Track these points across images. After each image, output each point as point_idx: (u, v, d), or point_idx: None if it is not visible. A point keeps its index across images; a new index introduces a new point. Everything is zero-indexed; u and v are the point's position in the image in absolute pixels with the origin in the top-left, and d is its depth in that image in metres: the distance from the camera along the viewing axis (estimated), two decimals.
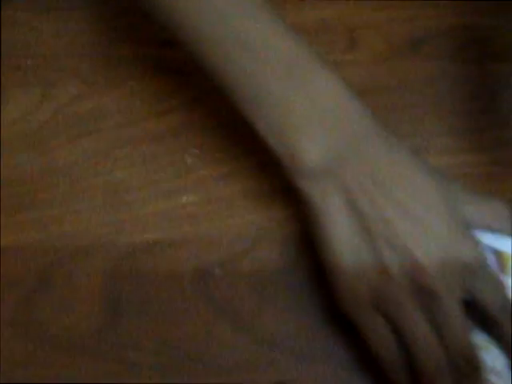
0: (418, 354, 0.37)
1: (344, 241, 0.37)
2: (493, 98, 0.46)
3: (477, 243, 0.38)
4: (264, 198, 0.45)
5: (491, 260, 0.38)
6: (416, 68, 0.47)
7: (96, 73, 0.48)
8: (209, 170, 0.46)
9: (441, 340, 0.36)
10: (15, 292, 0.43)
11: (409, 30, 0.47)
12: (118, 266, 0.43)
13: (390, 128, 0.38)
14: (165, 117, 0.47)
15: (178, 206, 0.45)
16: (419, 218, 0.36)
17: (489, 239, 0.39)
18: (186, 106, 0.48)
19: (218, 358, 0.41)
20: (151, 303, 0.42)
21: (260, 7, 0.38)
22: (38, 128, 0.47)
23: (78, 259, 0.43)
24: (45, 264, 0.43)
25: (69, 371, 0.41)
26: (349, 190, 0.37)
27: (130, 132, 0.47)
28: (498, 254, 0.39)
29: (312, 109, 0.37)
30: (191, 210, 0.45)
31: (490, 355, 0.38)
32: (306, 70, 0.37)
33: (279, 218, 0.44)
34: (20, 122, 0.47)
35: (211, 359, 0.41)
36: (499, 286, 0.38)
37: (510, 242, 0.39)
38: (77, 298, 0.43)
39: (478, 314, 0.37)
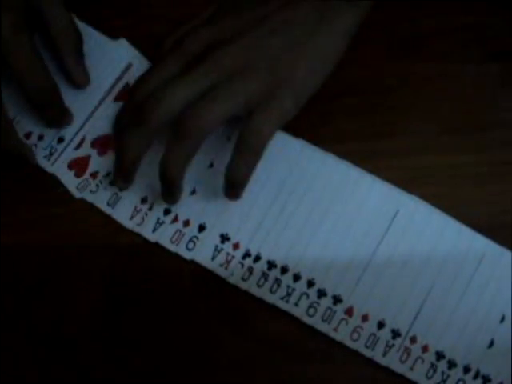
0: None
1: None
2: (493, 98, 0.46)
3: None
4: None
5: None
6: (416, 68, 0.47)
7: None
8: None
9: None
10: (15, 292, 0.43)
11: (409, 29, 0.47)
12: (118, 266, 0.43)
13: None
14: None
15: None
16: None
17: None
18: None
19: (217, 358, 0.41)
20: (151, 303, 0.43)
21: None
22: None
23: (78, 259, 0.43)
24: (45, 264, 0.43)
25: (68, 371, 0.41)
26: None
27: None
28: None
29: None
30: None
31: None
32: None
33: None
34: None
35: (211, 359, 0.41)
36: None
37: None
38: (77, 298, 0.43)
39: None
